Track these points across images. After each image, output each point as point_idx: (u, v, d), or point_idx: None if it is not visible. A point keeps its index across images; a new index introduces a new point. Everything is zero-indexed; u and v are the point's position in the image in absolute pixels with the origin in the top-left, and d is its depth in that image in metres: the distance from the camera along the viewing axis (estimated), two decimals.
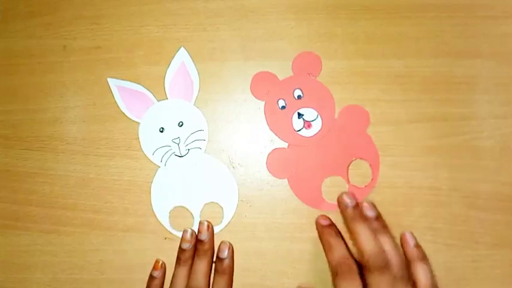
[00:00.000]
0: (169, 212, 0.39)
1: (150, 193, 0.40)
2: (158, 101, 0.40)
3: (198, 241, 0.38)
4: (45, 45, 0.42)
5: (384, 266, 0.33)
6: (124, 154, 0.40)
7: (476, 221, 0.38)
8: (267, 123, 0.39)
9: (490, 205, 0.38)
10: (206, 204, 0.39)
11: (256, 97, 0.40)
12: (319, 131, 0.39)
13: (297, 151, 0.39)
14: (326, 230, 0.36)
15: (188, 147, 0.39)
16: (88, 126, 0.41)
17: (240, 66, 0.40)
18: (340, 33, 0.40)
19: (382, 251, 0.33)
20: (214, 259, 0.38)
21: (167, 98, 0.40)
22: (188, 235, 0.38)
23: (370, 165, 0.38)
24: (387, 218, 0.38)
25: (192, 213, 0.39)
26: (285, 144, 0.39)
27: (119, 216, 0.40)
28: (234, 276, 0.38)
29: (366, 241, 0.34)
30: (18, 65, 0.42)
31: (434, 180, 0.38)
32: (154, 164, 0.40)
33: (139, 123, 0.40)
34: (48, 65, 0.41)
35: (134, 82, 0.40)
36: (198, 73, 0.40)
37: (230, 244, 0.38)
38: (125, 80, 0.40)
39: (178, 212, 0.39)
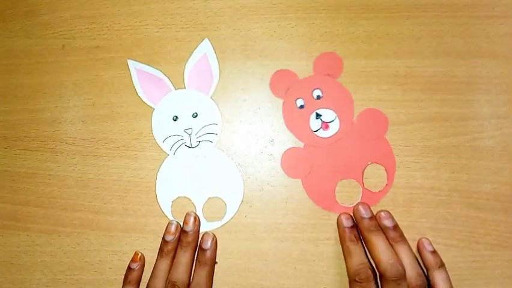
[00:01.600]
0: (172, 201, 0.39)
1: (150, 193, 0.39)
2: (175, 89, 0.40)
3: (182, 232, 0.38)
4: (44, 45, 0.41)
5: (400, 277, 0.33)
6: (124, 154, 0.40)
7: (476, 222, 0.38)
8: (284, 121, 0.39)
9: (491, 205, 0.38)
10: (210, 198, 0.39)
11: (274, 94, 0.39)
12: (336, 132, 0.39)
13: (312, 152, 0.39)
14: (347, 234, 0.36)
15: (199, 139, 0.39)
16: (87, 126, 0.40)
17: (240, 66, 0.40)
18: (340, 33, 0.40)
19: (398, 262, 0.34)
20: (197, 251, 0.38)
21: (185, 88, 0.40)
22: (173, 227, 0.38)
23: (386, 170, 0.38)
24: None
25: (194, 205, 0.39)
26: (300, 144, 0.39)
27: (118, 216, 0.40)
28: (234, 277, 0.38)
29: (383, 252, 0.34)
30: (17, 65, 0.42)
31: (434, 180, 0.38)
32: (160, 155, 0.40)
33: (153, 109, 0.40)
34: (47, 65, 0.41)
35: (155, 67, 0.40)
36: (219, 66, 0.40)
37: (214, 235, 0.38)
38: (145, 63, 0.40)
39: (181, 202, 0.39)
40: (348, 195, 0.39)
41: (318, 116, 0.39)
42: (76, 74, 0.41)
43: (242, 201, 0.39)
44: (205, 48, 0.40)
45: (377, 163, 0.38)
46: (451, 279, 0.37)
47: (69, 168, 0.40)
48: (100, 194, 0.40)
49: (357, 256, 0.35)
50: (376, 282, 0.34)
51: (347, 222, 0.37)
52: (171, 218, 0.39)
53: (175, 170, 0.40)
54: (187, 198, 0.39)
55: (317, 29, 0.40)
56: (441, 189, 0.38)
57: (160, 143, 0.40)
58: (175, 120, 0.40)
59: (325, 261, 0.38)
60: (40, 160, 0.41)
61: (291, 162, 0.39)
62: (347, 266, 0.35)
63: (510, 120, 0.38)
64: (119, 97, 0.40)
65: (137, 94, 0.40)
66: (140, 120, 0.40)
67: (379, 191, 0.38)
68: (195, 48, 0.40)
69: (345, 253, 0.36)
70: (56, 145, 0.41)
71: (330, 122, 0.39)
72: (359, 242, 0.36)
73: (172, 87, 0.40)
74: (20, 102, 0.41)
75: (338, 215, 0.38)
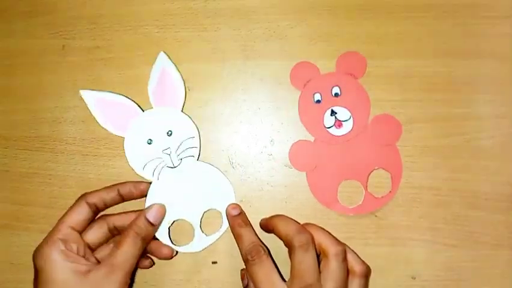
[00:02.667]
0: (168, 228, 0.38)
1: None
2: (143, 111, 0.38)
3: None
4: (44, 45, 0.41)
5: (307, 243, 0.33)
6: (123, 154, 0.40)
7: (476, 221, 0.38)
8: (299, 113, 0.39)
9: (490, 205, 0.38)
10: (205, 212, 0.39)
11: (293, 85, 0.39)
12: (348, 132, 0.39)
13: (322, 147, 0.39)
14: (235, 220, 0.36)
15: (180, 156, 0.38)
16: (87, 126, 0.41)
17: (240, 66, 0.40)
18: (340, 33, 0.40)
19: (304, 230, 0.34)
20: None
21: (152, 107, 0.38)
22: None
23: (391, 177, 0.38)
24: (387, 219, 0.38)
25: (192, 225, 0.38)
26: (310, 138, 0.39)
27: None
28: (234, 277, 0.38)
29: (287, 224, 0.35)
30: (17, 65, 0.42)
31: (434, 180, 0.38)
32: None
33: (123, 138, 0.38)
34: (48, 65, 0.41)
35: (113, 92, 0.39)
36: (183, 77, 0.39)
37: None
38: (102, 90, 0.39)
39: (177, 226, 0.38)
40: (349, 195, 0.39)
41: (333, 113, 0.39)
42: (76, 74, 0.41)
43: (241, 201, 0.39)
44: (162, 62, 0.38)
45: (383, 169, 0.38)
46: (451, 279, 0.38)
47: (69, 168, 0.40)
48: None
49: (247, 237, 0.35)
50: (270, 257, 0.34)
51: (234, 211, 0.37)
52: (169, 244, 0.38)
53: (163, 195, 0.38)
54: (183, 220, 0.38)
55: (317, 29, 0.40)
56: (440, 189, 0.38)
57: (139, 171, 0.38)
58: (149, 143, 0.38)
59: None
60: (40, 160, 0.41)
61: (299, 154, 0.39)
62: (240, 251, 0.35)
63: (509, 120, 0.38)
64: None
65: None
66: None
67: (381, 197, 0.38)
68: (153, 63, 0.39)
69: (237, 239, 0.36)
70: (56, 145, 0.41)
71: (344, 120, 0.39)
72: (248, 225, 0.36)
73: (139, 110, 0.38)
74: (20, 102, 0.41)
75: (337, 214, 0.38)
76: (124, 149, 0.39)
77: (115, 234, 0.37)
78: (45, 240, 0.33)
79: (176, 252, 0.38)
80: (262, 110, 0.40)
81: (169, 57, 0.39)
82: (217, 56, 0.40)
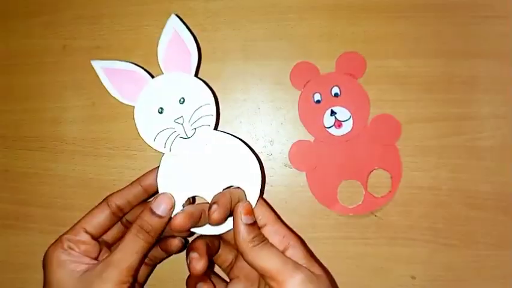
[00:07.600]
0: (183, 205, 0.34)
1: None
2: (153, 77, 0.35)
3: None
4: (44, 45, 0.42)
5: None
6: (124, 154, 0.40)
7: (476, 221, 0.38)
8: (299, 113, 0.39)
9: (491, 205, 0.38)
10: (224, 189, 0.34)
11: (293, 85, 0.39)
12: (348, 132, 0.39)
13: (321, 147, 0.39)
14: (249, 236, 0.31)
15: (194, 126, 0.34)
16: (87, 126, 0.41)
17: (240, 66, 0.40)
18: (340, 33, 0.40)
19: None
20: None
21: (162, 73, 0.35)
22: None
23: (391, 177, 0.38)
24: (387, 219, 0.38)
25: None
26: (310, 138, 0.39)
27: None
28: None
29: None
30: (18, 65, 0.42)
31: (434, 180, 0.38)
32: (156, 154, 0.39)
33: (133, 107, 0.35)
34: (48, 65, 0.41)
35: (124, 60, 0.36)
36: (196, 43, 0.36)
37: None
38: (112, 59, 0.36)
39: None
40: (349, 195, 0.39)
41: (333, 113, 0.39)
42: (76, 74, 0.41)
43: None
44: (173, 25, 0.35)
45: (383, 169, 0.38)
46: (451, 279, 0.38)
47: (69, 168, 0.40)
48: (100, 193, 0.39)
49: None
50: None
51: (246, 219, 0.32)
52: None
53: (177, 169, 0.34)
54: (199, 197, 0.35)
55: (317, 29, 0.40)
56: (441, 189, 0.38)
57: (150, 142, 0.35)
58: (160, 112, 0.34)
59: (324, 260, 0.38)
60: (40, 160, 0.41)
61: (299, 154, 0.39)
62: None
63: (510, 120, 0.38)
64: None
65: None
66: None
67: (381, 197, 0.38)
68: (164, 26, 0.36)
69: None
70: (56, 145, 0.41)
71: (344, 121, 0.39)
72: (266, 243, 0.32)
73: (148, 77, 0.35)
74: (20, 102, 0.41)
75: (337, 214, 0.38)
76: (123, 149, 0.39)
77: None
78: (55, 241, 0.33)
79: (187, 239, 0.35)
80: (262, 110, 0.40)
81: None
82: (217, 56, 0.40)
